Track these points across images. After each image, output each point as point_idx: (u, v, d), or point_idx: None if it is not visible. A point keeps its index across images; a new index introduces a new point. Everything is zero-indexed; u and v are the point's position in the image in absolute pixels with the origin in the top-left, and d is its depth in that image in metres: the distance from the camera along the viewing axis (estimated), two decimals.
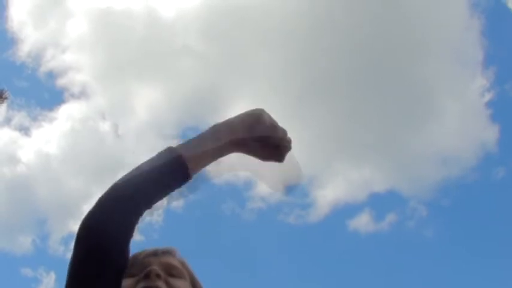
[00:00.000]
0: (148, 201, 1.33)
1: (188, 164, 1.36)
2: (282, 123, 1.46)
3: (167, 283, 1.38)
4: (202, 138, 1.42)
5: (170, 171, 1.35)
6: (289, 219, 20.29)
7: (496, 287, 19.10)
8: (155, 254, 1.46)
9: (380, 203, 21.32)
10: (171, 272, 1.42)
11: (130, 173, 1.33)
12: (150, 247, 1.50)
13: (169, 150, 1.38)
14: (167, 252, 1.48)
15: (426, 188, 20.77)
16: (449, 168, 20.35)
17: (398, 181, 21.51)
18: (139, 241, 1.46)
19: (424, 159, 20.72)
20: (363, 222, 19.82)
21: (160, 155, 1.37)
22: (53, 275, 18.81)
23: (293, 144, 1.48)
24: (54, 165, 21.17)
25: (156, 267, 1.38)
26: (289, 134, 1.46)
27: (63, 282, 1.33)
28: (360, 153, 20.84)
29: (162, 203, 1.39)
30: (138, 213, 1.31)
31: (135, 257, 1.44)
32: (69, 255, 1.35)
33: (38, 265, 21.00)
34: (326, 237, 21.37)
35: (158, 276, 1.37)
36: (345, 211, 20.69)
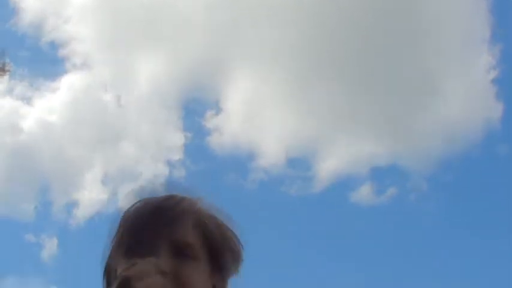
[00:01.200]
0: None
1: None
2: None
3: (174, 277, 1.13)
4: None
5: None
6: (291, 191, 20.35)
7: (496, 263, 19.23)
8: (162, 223, 1.18)
9: (382, 176, 21.36)
10: (182, 252, 1.17)
11: None
12: (155, 196, 1.23)
13: None
14: (180, 216, 1.19)
15: (428, 163, 20.76)
16: (453, 144, 20.32)
17: (400, 155, 21.47)
18: None
19: (427, 135, 20.68)
20: (364, 195, 19.87)
21: None
22: (55, 241, 19.00)
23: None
24: (56, 134, 21.18)
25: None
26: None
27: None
28: (364, 127, 20.81)
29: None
30: None
31: (132, 222, 1.20)
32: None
33: (40, 231, 21.22)
34: (327, 209, 21.46)
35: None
36: (346, 183, 20.73)
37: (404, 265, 19.79)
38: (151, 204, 1.22)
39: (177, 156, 19.97)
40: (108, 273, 1.22)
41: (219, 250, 1.22)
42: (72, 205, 19.34)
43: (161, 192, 1.26)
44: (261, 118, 20.63)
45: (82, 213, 18.76)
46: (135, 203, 1.25)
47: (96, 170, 19.97)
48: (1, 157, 18.96)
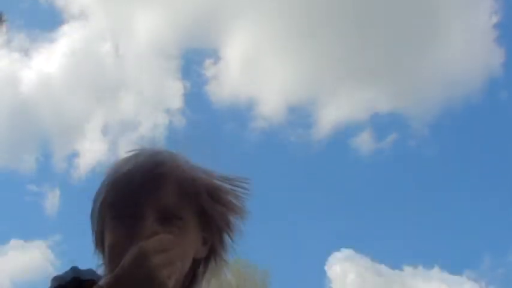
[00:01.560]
0: None
1: None
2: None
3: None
4: None
5: None
6: (292, 138, 20.41)
7: (493, 206, 19.45)
8: (146, 189, 1.16)
9: (383, 123, 21.40)
10: (166, 215, 1.16)
11: None
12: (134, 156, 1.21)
13: None
14: (160, 179, 1.17)
15: (429, 108, 20.73)
16: (454, 89, 20.26)
17: (401, 102, 21.47)
18: None
19: (428, 81, 20.60)
20: (364, 140, 19.94)
21: None
22: (57, 191, 19.20)
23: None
24: (55, 84, 21.12)
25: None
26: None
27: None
28: (365, 74, 20.69)
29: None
30: None
31: (118, 186, 1.18)
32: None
33: (42, 182, 21.45)
34: (328, 155, 21.56)
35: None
36: (347, 130, 20.80)
37: (405, 209, 20.00)
38: (138, 166, 1.19)
39: (176, 105, 19.96)
40: (98, 238, 1.23)
41: (207, 212, 1.21)
42: (73, 155, 19.45)
43: (155, 154, 1.23)
44: (261, 68, 20.51)
45: (83, 163, 18.87)
46: (122, 163, 1.22)
47: (96, 120, 20.00)
48: (0, 108, 18.93)
